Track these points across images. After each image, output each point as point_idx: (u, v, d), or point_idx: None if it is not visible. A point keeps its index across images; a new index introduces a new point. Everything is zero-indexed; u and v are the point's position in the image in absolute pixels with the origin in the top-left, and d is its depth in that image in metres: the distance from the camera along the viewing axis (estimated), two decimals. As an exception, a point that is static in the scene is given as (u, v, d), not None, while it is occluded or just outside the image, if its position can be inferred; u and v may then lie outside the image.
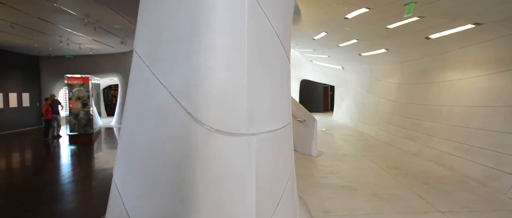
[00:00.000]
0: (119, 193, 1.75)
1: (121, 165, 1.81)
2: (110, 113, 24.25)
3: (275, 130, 2.16)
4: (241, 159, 1.84)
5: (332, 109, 23.06)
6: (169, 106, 1.74)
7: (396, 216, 4.61)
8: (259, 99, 1.93)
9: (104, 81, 22.19)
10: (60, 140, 12.66)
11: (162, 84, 1.74)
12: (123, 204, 1.72)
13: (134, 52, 1.86)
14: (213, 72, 1.78)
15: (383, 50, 10.68)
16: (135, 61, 1.83)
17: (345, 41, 10.95)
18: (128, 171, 1.77)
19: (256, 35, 1.93)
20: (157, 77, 1.76)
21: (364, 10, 7.09)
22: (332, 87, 23.40)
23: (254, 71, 1.89)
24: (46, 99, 13.02)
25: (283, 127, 2.34)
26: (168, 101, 1.74)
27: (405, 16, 5.99)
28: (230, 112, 1.81)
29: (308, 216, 4.53)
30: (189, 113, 1.71)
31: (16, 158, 9.74)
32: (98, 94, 16.55)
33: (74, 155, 10.10)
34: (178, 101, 1.72)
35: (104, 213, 4.86)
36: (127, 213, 1.71)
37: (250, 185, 1.87)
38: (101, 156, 9.76)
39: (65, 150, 10.77)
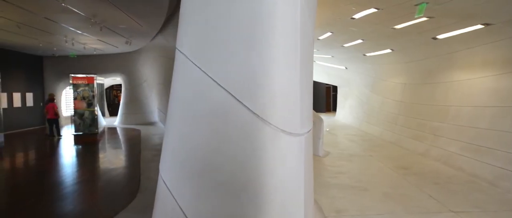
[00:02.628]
0: (170, 192, 1.75)
1: (170, 164, 1.81)
2: (111, 112, 24.24)
3: (310, 130, 2.18)
4: (296, 159, 1.87)
5: (334, 109, 23.06)
6: (229, 106, 1.75)
7: (409, 216, 4.62)
8: (304, 100, 1.95)
9: (107, 81, 22.21)
10: (65, 139, 12.68)
11: (219, 85, 1.74)
12: (177, 203, 1.72)
13: (178, 52, 1.85)
14: (277, 72, 1.79)
15: (388, 51, 10.69)
16: (181, 61, 1.83)
17: (350, 42, 10.95)
18: (180, 171, 1.76)
19: (304, 36, 1.95)
20: (211, 78, 1.76)
21: (372, 10, 7.09)
22: (334, 88, 23.39)
23: (303, 71, 1.90)
24: (52, 100, 13.13)
25: (312, 127, 2.36)
26: (226, 101, 1.75)
27: (416, 16, 5.99)
28: (291, 112, 1.83)
29: (321, 216, 4.54)
30: (254, 113, 1.72)
31: (25, 158, 9.74)
32: (101, 94, 16.57)
33: (83, 155, 10.11)
34: (240, 101, 1.73)
35: (115, 211, 4.87)
36: (183, 213, 1.71)
37: (301, 185, 1.88)
38: (110, 155, 9.76)
39: (73, 150, 10.78)
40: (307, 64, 2.08)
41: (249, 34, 1.76)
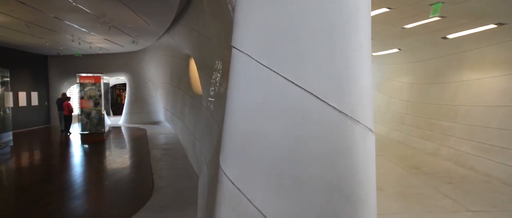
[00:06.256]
0: (241, 192, 1.77)
1: (238, 163, 1.82)
2: (115, 112, 24.24)
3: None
4: (374, 156, 1.93)
5: (338, 108, 23.07)
6: (309, 106, 1.78)
7: (428, 215, 4.64)
8: None
9: (110, 80, 22.20)
10: (72, 138, 12.75)
11: (295, 84, 1.78)
12: (251, 203, 1.74)
13: (237, 52, 1.86)
14: (362, 72, 1.83)
15: (395, 50, 10.71)
16: (242, 61, 1.83)
17: (358, 41, 10.95)
18: (252, 170, 1.77)
19: None
20: (284, 77, 1.79)
21: (384, 10, 7.10)
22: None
23: None
24: (68, 98, 14.07)
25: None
26: (306, 101, 1.78)
27: (430, 16, 6.00)
28: (371, 111, 1.87)
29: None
30: (341, 112, 1.75)
31: (35, 157, 9.75)
32: (106, 93, 16.56)
33: (93, 154, 10.12)
34: (324, 101, 1.76)
35: (133, 210, 4.88)
36: (261, 212, 1.75)
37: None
38: (119, 155, 9.75)
39: (82, 149, 10.79)
40: None
41: (330, 35, 1.79)
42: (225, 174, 1.83)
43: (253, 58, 1.82)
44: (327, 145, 1.78)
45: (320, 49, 1.79)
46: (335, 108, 1.76)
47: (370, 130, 1.85)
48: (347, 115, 1.75)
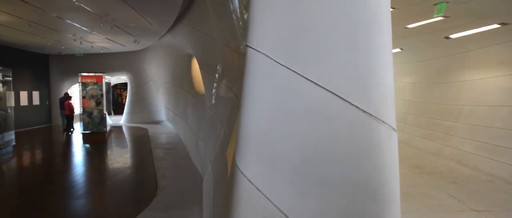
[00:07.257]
0: (260, 191, 1.76)
1: (256, 162, 1.81)
2: (115, 111, 24.22)
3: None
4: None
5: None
6: (331, 106, 1.76)
7: (432, 215, 4.64)
8: None
9: (111, 79, 22.17)
10: (74, 137, 12.74)
11: (316, 84, 1.76)
12: (272, 202, 1.74)
13: (254, 52, 1.84)
14: (386, 72, 1.82)
15: (398, 50, 10.69)
16: (259, 61, 1.81)
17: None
18: (272, 170, 1.76)
19: None
20: (304, 77, 1.77)
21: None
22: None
23: None
24: (69, 98, 13.82)
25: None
26: (327, 101, 1.76)
27: (434, 16, 5.99)
28: (394, 110, 1.87)
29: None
30: (365, 112, 1.74)
31: (37, 157, 9.75)
32: (107, 92, 16.57)
33: (96, 154, 10.12)
34: (347, 101, 1.74)
35: (138, 210, 4.88)
36: (281, 212, 1.76)
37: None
38: (122, 154, 9.75)
39: (84, 149, 10.79)
40: None
41: (352, 33, 1.78)
42: (243, 173, 1.82)
43: (270, 58, 1.81)
44: (351, 145, 1.77)
45: (342, 48, 1.78)
46: (359, 108, 1.75)
47: (394, 129, 1.85)
48: (371, 115, 1.74)
